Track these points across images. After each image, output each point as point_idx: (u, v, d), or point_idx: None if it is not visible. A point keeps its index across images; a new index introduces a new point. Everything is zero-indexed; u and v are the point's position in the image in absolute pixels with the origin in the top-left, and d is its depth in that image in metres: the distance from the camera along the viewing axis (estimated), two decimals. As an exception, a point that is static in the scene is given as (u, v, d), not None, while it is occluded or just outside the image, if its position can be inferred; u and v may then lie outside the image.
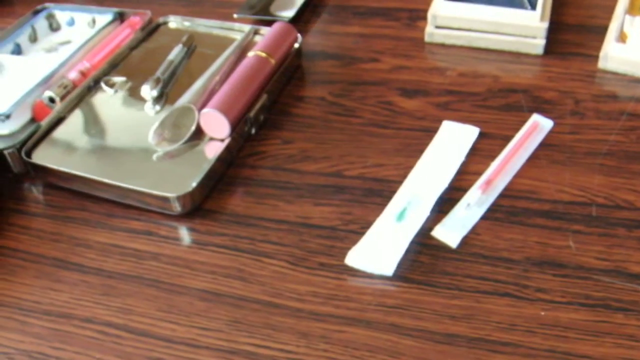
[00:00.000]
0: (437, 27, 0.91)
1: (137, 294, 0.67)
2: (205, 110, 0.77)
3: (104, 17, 1.02)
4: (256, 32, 0.94)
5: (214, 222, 0.72)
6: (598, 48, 0.87)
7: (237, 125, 0.78)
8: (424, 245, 0.67)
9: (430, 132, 0.79)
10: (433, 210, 0.70)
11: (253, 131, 0.80)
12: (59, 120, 0.85)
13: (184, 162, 0.77)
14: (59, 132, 0.84)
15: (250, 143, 0.80)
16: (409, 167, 0.75)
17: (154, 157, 0.78)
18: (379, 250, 0.66)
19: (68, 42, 1.03)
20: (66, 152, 0.81)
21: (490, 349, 0.59)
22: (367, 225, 0.69)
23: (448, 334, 0.61)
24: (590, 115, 0.80)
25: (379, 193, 0.73)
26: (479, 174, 0.74)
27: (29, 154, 0.80)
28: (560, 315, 0.60)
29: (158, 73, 0.87)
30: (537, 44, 0.88)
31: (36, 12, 1.06)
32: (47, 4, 1.06)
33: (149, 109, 0.86)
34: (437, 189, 0.71)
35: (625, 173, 0.72)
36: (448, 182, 0.72)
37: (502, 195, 0.72)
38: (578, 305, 0.61)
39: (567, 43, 0.92)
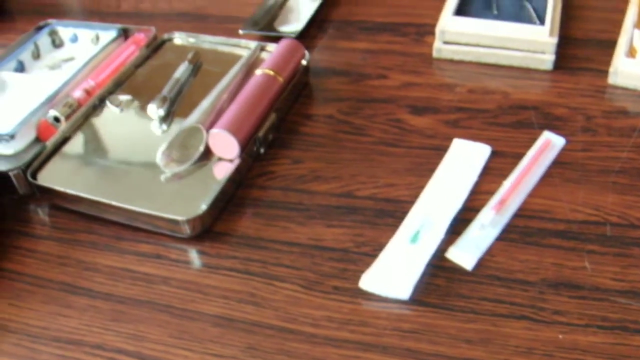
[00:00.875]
0: (445, 42, 0.90)
1: (148, 319, 0.66)
2: (214, 131, 0.76)
3: (108, 34, 1.01)
4: (262, 49, 0.93)
5: (224, 245, 0.72)
6: (608, 63, 0.87)
7: (247, 146, 0.76)
8: (438, 267, 0.66)
9: (440, 150, 0.78)
10: (446, 231, 0.69)
11: (262, 151, 0.79)
12: (64, 140, 0.84)
13: (192, 183, 0.76)
14: (65, 153, 0.83)
15: (259, 163, 0.79)
16: (421, 187, 0.74)
17: (162, 178, 0.77)
18: (393, 273, 0.65)
19: (72, 59, 1.02)
20: (72, 173, 0.80)
21: (508, 374, 0.55)
22: (380, 247, 0.69)
23: (465, 359, 0.60)
24: (601, 132, 0.80)
25: (391, 214, 0.72)
26: (492, 193, 0.73)
27: (34, 175, 0.79)
28: (578, 338, 0.60)
29: (164, 91, 0.86)
30: (547, 60, 0.88)
31: (39, 29, 1.05)
32: (49, 20, 1.05)
33: (156, 128, 0.85)
34: (450, 209, 0.71)
35: (638, 191, 0.72)
36: (461, 202, 0.72)
37: (516, 215, 0.71)
38: (596, 328, 0.61)
39: (576, 58, 0.91)
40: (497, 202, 0.69)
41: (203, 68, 0.94)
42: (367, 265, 0.67)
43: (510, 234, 0.69)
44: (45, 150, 0.82)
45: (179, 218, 0.70)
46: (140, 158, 0.81)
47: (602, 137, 0.79)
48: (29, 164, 0.80)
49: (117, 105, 0.89)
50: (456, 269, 0.67)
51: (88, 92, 0.90)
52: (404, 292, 0.64)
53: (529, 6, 0.93)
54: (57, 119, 0.86)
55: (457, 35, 0.90)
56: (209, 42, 0.98)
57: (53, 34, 1.05)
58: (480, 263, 0.67)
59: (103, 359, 0.63)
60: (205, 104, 0.82)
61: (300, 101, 0.88)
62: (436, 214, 0.70)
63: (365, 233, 0.71)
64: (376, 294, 0.65)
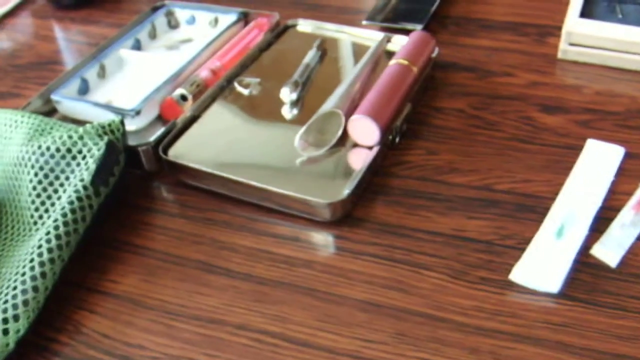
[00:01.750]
0: (571, 44, 0.88)
1: (292, 302, 0.66)
2: (355, 117, 0.75)
3: (228, 17, 1.02)
4: (388, 40, 0.92)
5: (364, 231, 0.71)
6: None
7: (385, 133, 0.76)
8: (582, 263, 0.66)
9: (574, 149, 0.78)
10: (588, 229, 0.68)
11: (397, 140, 0.79)
12: (192, 119, 0.84)
13: (329, 168, 0.76)
14: (194, 131, 0.83)
15: (393, 152, 0.79)
16: (559, 184, 0.73)
17: (298, 161, 0.77)
18: (543, 266, 0.65)
19: (189, 41, 1.03)
20: (203, 151, 0.80)
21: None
22: (524, 240, 0.68)
23: (617, 355, 0.59)
24: None
25: (532, 209, 0.71)
26: (628, 194, 0.72)
27: (165, 151, 0.78)
28: None
29: (296, 76, 0.86)
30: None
31: (155, 9, 1.06)
32: (166, 1, 1.06)
33: (286, 111, 0.85)
34: (591, 207, 0.70)
35: None
36: (601, 200, 0.71)
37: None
38: None
39: None
40: (636, 202, 0.69)
41: (328, 55, 0.94)
42: (513, 258, 0.67)
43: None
44: (175, 127, 0.81)
45: (322, 201, 0.70)
46: (273, 140, 0.81)
47: None
48: (159, 141, 0.80)
49: (245, 87, 0.89)
50: (601, 266, 0.66)
51: (214, 73, 0.90)
52: (554, 285, 0.63)
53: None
54: (184, 98, 0.86)
55: (583, 37, 0.90)
56: (332, 30, 0.99)
57: (169, 14, 1.06)
58: (624, 261, 0.66)
59: (247, 339, 0.63)
60: (340, 90, 0.82)
61: (428, 94, 0.87)
62: (578, 210, 0.70)
63: (508, 226, 0.70)
64: (525, 286, 0.64)
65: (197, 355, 0.62)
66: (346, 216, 0.72)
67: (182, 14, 1.06)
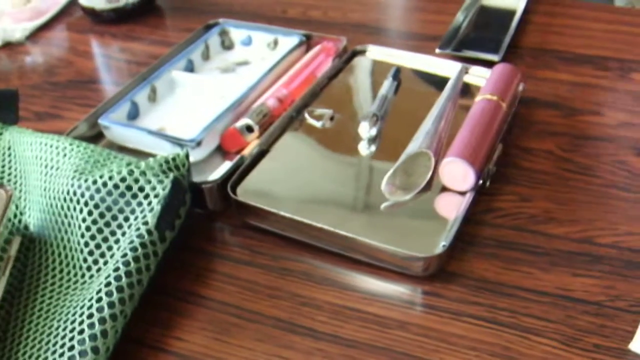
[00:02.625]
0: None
1: (387, 368, 0.56)
2: (449, 159, 0.69)
3: (289, 40, 0.95)
4: (466, 71, 0.85)
5: (461, 288, 0.65)
6: None
7: (479, 177, 0.69)
8: None
9: (677, 199, 0.68)
10: None
11: (487, 184, 0.72)
12: (260, 153, 0.77)
13: (417, 214, 0.70)
14: (263, 167, 0.76)
15: (483, 197, 0.72)
16: (667, 239, 0.63)
17: (382, 206, 0.70)
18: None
19: (246, 63, 0.96)
20: (274, 191, 0.73)
21: None
22: (635, 302, 0.62)
23: None
24: None
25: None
26: None
27: (233, 190, 0.70)
28: None
29: (374, 109, 0.79)
30: None
31: (208, 27, 1.00)
32: (220, 20, 1.00)
33: (364, 148, 0.78)
34: None
35: None
36: None
37: None
38: None
39: None
40: None
41: (402, 85, 0.87)
42: (626, 322, 0.61)
43: None
44: (243, 163, 0.74)
45: (419, 255, 0.63)
46: (353, 181, 0.75)
47: None
48: (226, 177, 0.73)
49: (317, 119, 0.81)
50: None
51: (281, 102, 0.83)
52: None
53: None
54: (249, 129, 0.79)
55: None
56: (404, 58, 0.92)
57: (223, 34, 0.99)
58: None
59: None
60: (426, 127, 0.75)
61: (512, 131, 0.81)
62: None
63: (616, 285, 0.64)
64: None
65: None
66: (440, 270, 0.66)
67: (237, 34, 0.99)
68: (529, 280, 0.65)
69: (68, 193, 0.67)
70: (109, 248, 0.65)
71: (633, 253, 0.67)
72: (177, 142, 0.78)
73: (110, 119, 0.83)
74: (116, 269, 0.61)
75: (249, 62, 0.97)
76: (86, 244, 0.65)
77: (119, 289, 0.60)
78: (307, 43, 0.95)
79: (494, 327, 0.62)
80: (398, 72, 0.87)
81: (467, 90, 0.85)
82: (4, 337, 0.61)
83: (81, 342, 0.58)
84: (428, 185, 0.72)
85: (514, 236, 0.70)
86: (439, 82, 0.86)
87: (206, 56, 0.98)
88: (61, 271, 0.66)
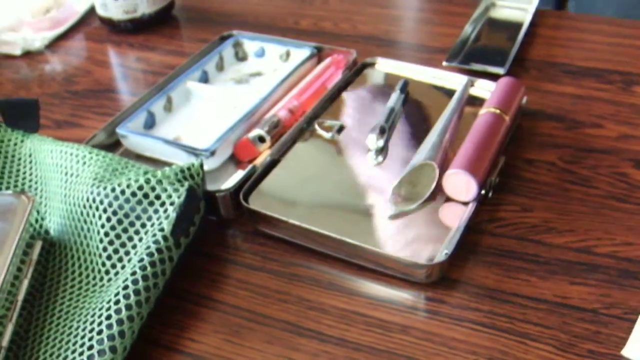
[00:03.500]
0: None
1: (389, 370, 0.58)
2: (452, 171, 0.72)
3: (301, 52, 0.98)
4: (471, 84, 0.88)
5: (462, 294, 0.68)
6: None
7: (481, 188, 0.72)
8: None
9: (674, 210, 0.70)
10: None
11: (490, 195, 0.75)
12: (271, 163, 0.80)
13: (421, 223, 0.73)
14: (274, 177, 0.80)
15: (486, 207, 0.75)
16: (663, 249, 0.66)
17: (387, 215, 0.74)
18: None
19: (259, 74, 0.99)
20: (284, 199, 0.77)
21: None
22: (629, 310, 0.65)
23: None
24: None
25: (635, 275, 0.68)
26: None
27: (246, 198, 0.74)
28: None
29: (382, 121, 0.81)
30: None
31: (222, 39, 1.03)
32: (234, 31, 1.04)
33: (372, 159, 0.81)
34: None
35: None
36: None
37: None
38: None
39: None
40: None
41: (409, 97, 0.91)
42: (620, 329, 0.63)
43: None
44: (255, 172, 0.77)
45: (422, 263, 0.66)
46: (360, 190, 0.78)
47: None
48: (238, 186, 0.76)
49: (327, 130, 0.85)
50: None
51: (292, 113, 0.86)
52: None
53: None
54: (261, 139, 0.83)
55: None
56: (412, 70, 0.95)
57: (237, 46, 1.02)
58: None
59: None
60: (431, 139, 0.78)
61: (517, 144, 0.83)
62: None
63: (612, 294, 0.67)
64: None
65: None
66: (442, 278, 0.68)
67: (250, 45, 1.02)
68: (528, 288, 0.68)
69: (87, 200, 0.70)
70: (127, 253, 0.68)
71: (630, 263, 0.69)
72: (192, 151, 0.81)
73: (127, 128, 0.86)
74: (133, 273, 0.64)
75: (262, 74, 1.00)
76: (104, 249, 0.68)
77: (136, 292, 0.63)
78: (318, 55, 0.99)
79: (492, 333, 0.64)
80: (406, 85, 0.90)
81: (472, 103, 0.88)
82: (26, 336, 0.64)
83: (100, 342, 0.61)
84: (432, 196, 0.75)
85: (514, 245, 0.72)
86: (445, 95, 0.89)
87: (220, 67, 1.01)
88: (80, 274, 0.69)
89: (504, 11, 1.12)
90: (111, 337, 0.61)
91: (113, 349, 0.61)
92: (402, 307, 0.67)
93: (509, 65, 0.97)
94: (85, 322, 0.63)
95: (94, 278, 0.68)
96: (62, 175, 0.76)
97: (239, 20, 1.20)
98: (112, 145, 0.87)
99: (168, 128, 0.90)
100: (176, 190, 0.68)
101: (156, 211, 0.68)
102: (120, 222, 0.68)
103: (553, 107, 0.91)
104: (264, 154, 0.82)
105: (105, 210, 0.69)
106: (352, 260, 0.71)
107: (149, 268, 0.65)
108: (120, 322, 0.62)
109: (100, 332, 0.61)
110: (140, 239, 0.68)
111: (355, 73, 0.95)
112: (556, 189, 0.79)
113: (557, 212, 0.76)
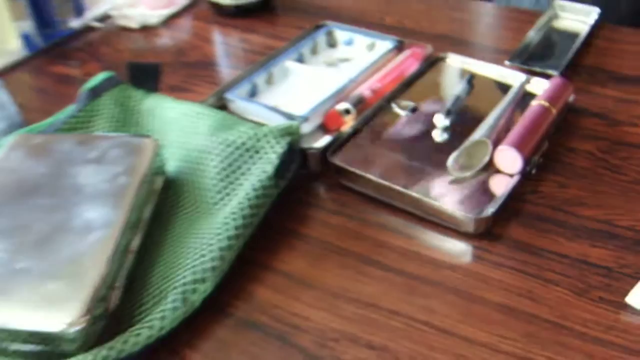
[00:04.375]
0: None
1: (437, 297, 0.76)
2: (502, 147, 0.86)
3: (385, 44, 1.12)
4: (528, 81, 1.02)
5: (502, 246, 0.81)
6: None
7: (526, 164, 0.86)
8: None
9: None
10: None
11: (533, 171, 0.89)
12: (355, 131, 0.95)
13: (472, 188, 0.87)
14: (356, 142, 0.94)
15: (529, 182, 0.89)
16: (676, 226, 0.79)
17: (447, 179, 0.87)
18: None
19: (347, 60, 1.13)
20: (364, 159, 0.91)
21: None
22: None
23: None
24: None
25: (649, 245, 0.77)
26: None
27: (331, 157, 0.89)
28: None
29: (448, 105, 0.96)
30: None
31: (317, 27, 1.17)
32: (327, 22, 1.18)
33: (437, 135, 0.95)
34: None
35: None
36: None
37: None
38: None
39: None
40: None
41: (474, 89, 1.04)
42: (628, 284, 0.76)
43: None
44: (341, 137, 0.93)
45: (471, 216, 0.80)
46: (425, 158, 0.92)
47: None
48: (327, 146, 0.91)
49: (402, 109, 0.99)
50: None
51: (375, 92, 1.01)
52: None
53: None
54: (347, 111, 0.97)
55: None
56: (478, 66, 1.08)
57: (329, 34, 1.17)
58: None
59: (399, 323, 0.74)
60: (488, 122, 0.92)
61: (562, 134, 0.96)
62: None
63: (626, 257, 0.79)
64: (638, 309, 0.73)
65: (355, 331, 0.73)
66: (487, 232, 0.82)
67: (341, 34, 1.17)
68: (555, 246, 0.81)
69: (204, 147, 0.86)
70: (233, 189, 0.83)
71: (645, 235, 0.79)
72: (289, 116, 0.96)
73: (235, 94, 1.01)
74: (240, 203, 0.79)
75: (349, 59, 1.14)
76: (214, 185, 0.84)
77: (243, 217, 0.78)
78: (399, 47, 1.13)
79: (522, 276, 0.78)
80: (472, 78, 1.04)
81: (527, 97, 1.01)
82: (150, 248, 0.81)
83: (211, 251, 0.76)
84: (485, 167, 0.89)
85: (549, 213, 0.86)
86: (504, 89, 1.03)
87: (314, 51, 1.16)
88: (193, 204, 0.85)
89: (565, 22, 1.24)
90: (221, 249, 0.76)
91: (222, 258, 0.76)
92: (452, 251, 0.81)
93: (563, 69, 1.09)
94: (199, 240, 0.78)
95: (205, 208, 0.84)
96: (181, 126, 0.91)
97: (332, 12, 1.33)
98: (219, 108, 1.00)
99: (268, 98, 1.04)
100: (279, 142, 0.84)
101: (260, 158, 0.84)
102: (230, 165, 0.84)
103: (597, 106, 1.03)
104: (349, 124, 0.97)
105: (218, 155, 0.85)
106: (415, 211, 0.85)
107: (253, 199, 0.79)
108: (229, 238, 0.77)
109: (211, 245, 0.76)
110: (246, 179, 0.83)
111: (429, 65, 1.09)
112: (591, 173, 0.91)
113: (589, 191, 0.88)
